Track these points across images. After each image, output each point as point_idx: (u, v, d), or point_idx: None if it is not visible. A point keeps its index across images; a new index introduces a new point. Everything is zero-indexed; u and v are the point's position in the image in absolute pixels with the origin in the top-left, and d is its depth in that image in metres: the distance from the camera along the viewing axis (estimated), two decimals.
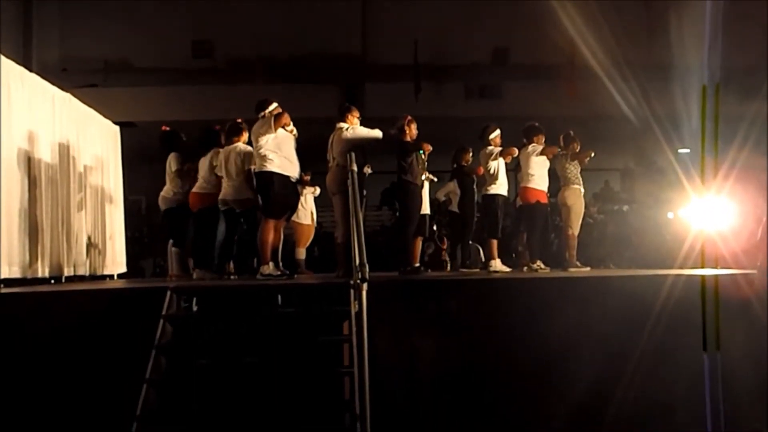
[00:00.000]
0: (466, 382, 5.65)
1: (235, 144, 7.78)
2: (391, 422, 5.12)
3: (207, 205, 8.00)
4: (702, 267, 8.49)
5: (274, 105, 7.35)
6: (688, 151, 13.62)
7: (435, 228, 11.63)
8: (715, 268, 8.16)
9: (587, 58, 12.69)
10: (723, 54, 10.60)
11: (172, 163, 8.28)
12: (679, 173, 11.15)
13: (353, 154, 6.45)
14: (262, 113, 7.28)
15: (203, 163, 8.05)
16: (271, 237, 7.19)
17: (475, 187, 9.16)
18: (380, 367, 5.18)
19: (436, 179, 9.42)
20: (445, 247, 12.14)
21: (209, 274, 7.91)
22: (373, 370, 4.93)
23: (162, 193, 8.36)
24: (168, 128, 8.65)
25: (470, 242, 9.66)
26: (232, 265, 8.42)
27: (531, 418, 5.59)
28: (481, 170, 8.77)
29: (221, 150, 7.89)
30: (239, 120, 7.96)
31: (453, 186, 9.81)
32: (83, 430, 5.17)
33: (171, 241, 8.59)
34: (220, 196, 7.81)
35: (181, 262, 8.45)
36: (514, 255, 10.36)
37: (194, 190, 8.08)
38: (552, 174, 8.73)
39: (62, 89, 8.72)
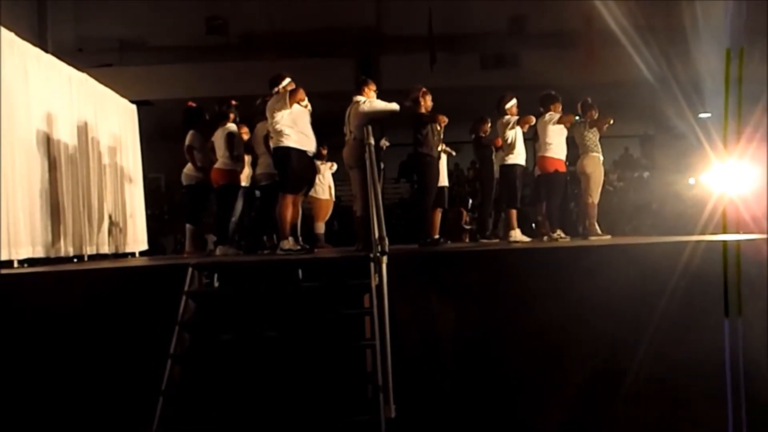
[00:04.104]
0: (488, 352, 5.66)
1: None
2: (413, 393, 5.15)
3: (229, 182, 8.03)
4: (723, 232, 8.40)
5: (288, 80, 7.31)
6: (708, 115, 13.42)
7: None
8: (737, 233, 8.08)
9: (606, 23, 12.47)
10: (747, 15, 10.34)
11: (187, 140, 8.29)
12: (700, 138, 10.99)
13: (370, 128, 6.41)
14: (276, 89, 7.26)
15: (218, 140, 8.08)
16: (289, 212, 7.21)
17: (493, 158, 9.11)
18: (402, 339, 5.21)
19: (454, 153, 9.37)
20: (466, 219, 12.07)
21: (232, 250, 7.96)
22: (395, 342, 4.95)
23: (185, 170, 8.39)
24: (193, 104, 8.64)
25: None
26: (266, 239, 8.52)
27: (552, 387, 5.60)
28: (500, 141, 8.71)
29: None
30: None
31: None
32: (110, 405, 5.25)
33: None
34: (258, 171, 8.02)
35: (194, 238, 8.50)
36: (533, 225, 10.33)
37: (216, 166, 8.11)
38: (570, 142, 8.65)
39: (78, 69, 8.75)
